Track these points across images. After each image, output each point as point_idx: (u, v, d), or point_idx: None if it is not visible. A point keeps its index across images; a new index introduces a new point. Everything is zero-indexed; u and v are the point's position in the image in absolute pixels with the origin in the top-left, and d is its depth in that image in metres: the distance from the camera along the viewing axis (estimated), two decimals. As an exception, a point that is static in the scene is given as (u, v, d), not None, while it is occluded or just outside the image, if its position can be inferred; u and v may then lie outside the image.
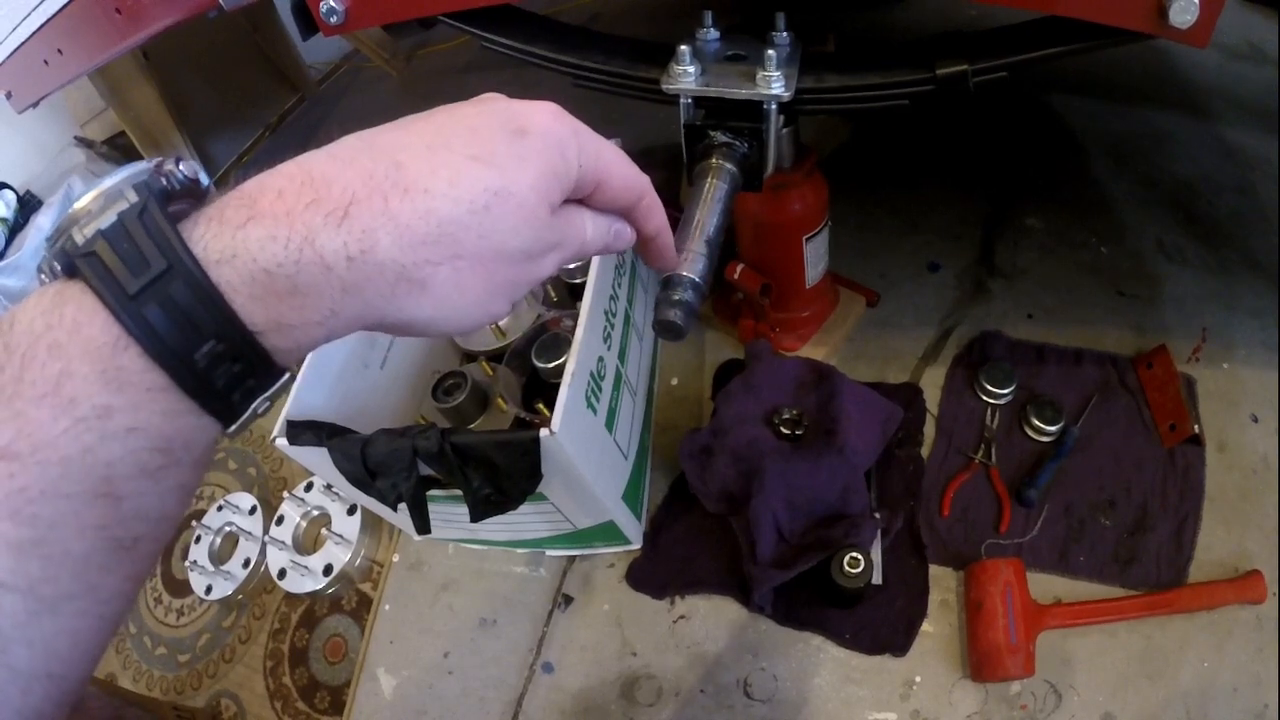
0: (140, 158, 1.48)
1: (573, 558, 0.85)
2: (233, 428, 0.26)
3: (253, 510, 1.00)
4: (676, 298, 0.49)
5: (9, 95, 1.02)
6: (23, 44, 0.86)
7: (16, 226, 1.45)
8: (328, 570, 0.89)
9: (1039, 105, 1.22)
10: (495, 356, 0.83)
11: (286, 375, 0.26)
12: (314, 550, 0.93)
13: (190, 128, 1.52)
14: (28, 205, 1.49)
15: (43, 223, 1.36)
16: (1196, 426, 0.77)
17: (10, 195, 1.47)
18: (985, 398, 0.85)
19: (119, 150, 1.58)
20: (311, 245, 0.24)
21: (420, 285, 0.26)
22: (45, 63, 0.87)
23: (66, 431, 0.22)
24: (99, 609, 0.24)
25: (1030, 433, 0.82)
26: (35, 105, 1.01)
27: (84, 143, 1.57)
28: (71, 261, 0.23)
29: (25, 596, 0.21)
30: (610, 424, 0.73)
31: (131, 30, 0.72)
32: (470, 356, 0.86)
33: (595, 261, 0.72)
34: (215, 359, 0.23)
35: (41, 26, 0.82)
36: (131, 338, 0.22)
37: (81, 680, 0.25)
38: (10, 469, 0.21)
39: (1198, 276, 0.94)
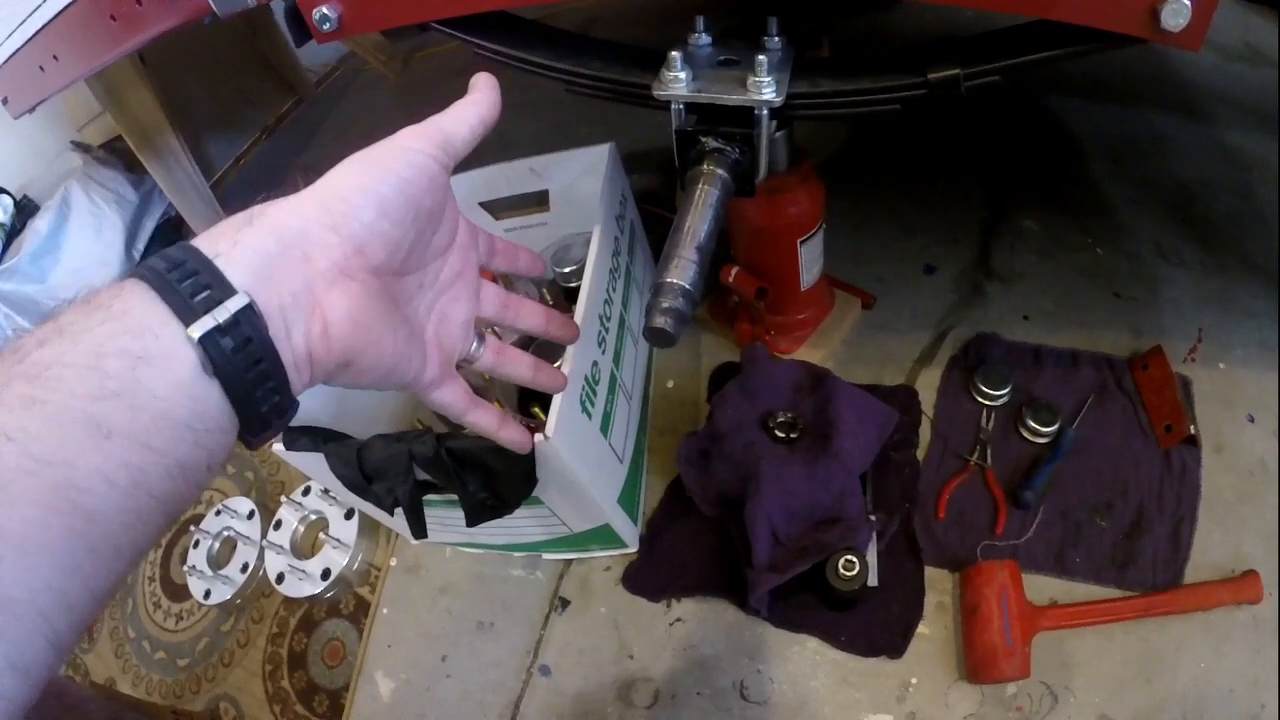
0: (137, 161, 1.48)
1: (569, 561, 0.85)
2: (194, 328, 0.29)
3: (250, 515, 1.00)
4: (666, 305, 0.49)
5: (5, 101, 1.02)
6: (18, 50, 0.86)
7: (13, 231, 1.45)
8: (326, 574, 0.90)
9: (1036, 107, 1.21)
10: (491, 360, 0.83)
11: (239, 294, 0.31)
12: (312, 554, 0.93)
13: (187, 130, 1.52)
14: (24, 210, 1.48)
15: (40, 227, 1.36)
16: (1193, 428, 0.77)
17: (7, 200, 1.47)
18: (981, 400, 0.85)
19: (117, 154, 1.57)
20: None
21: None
22: (41, 69, 0.87)
23: (76, 320, 0.28)
24: (71, 494, 0.26)
25: (1026, 435, 0.82)
26: (32, 110, 1.01)
27: (81, 147, 1.57)
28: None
29: (20, 452, 0.25)
30: (605, 428, 0.73)
31: (126, 36, 0.72)
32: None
33: (590, 265, 0.72)
34: (173, 263, 0.30)
35: (37, 33, 0.82)
36: (136, 264, 0.31)
37: (51, 593, 0.25)
38: (41, 341, 0.28)
39: (1195, 278, 0.93)
